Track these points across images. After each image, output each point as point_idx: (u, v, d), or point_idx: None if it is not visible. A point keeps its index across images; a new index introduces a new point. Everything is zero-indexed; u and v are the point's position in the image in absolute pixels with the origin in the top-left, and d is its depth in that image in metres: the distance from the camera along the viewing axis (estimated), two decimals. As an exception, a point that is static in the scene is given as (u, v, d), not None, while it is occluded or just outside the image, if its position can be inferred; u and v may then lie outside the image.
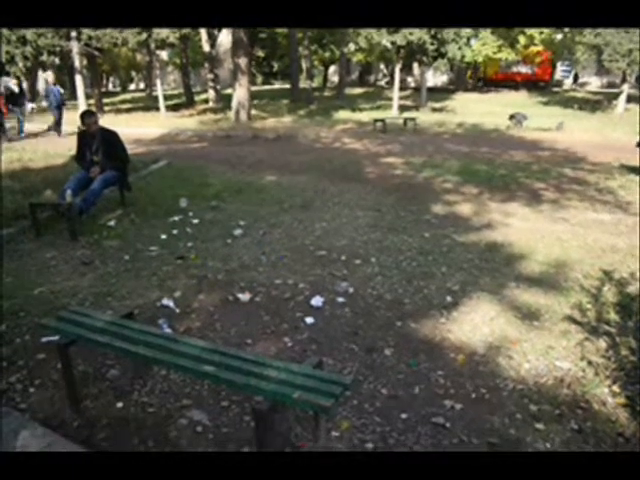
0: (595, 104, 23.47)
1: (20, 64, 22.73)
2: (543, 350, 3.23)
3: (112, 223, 5.91)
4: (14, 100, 14.95)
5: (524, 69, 33.12)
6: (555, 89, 32.24)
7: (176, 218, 6.08)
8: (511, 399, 2.78)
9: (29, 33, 21.06)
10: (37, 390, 2.92)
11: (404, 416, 2.65)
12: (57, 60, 26.41)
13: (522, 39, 26.01)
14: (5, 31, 20.86)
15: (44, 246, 5.21)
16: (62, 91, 16.57)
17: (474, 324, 3.56)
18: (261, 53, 38.12)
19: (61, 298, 3.99)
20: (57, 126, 15.39)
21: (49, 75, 17.25)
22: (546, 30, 24.68)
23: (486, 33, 25.12)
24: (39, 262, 4.81)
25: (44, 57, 22.82)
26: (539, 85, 32.29)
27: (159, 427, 2.60)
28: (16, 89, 14.94)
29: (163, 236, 5.45)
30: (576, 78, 35.76)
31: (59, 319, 2.79)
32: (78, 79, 21.53)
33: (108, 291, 4.13)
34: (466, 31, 21.60)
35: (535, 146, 12.45)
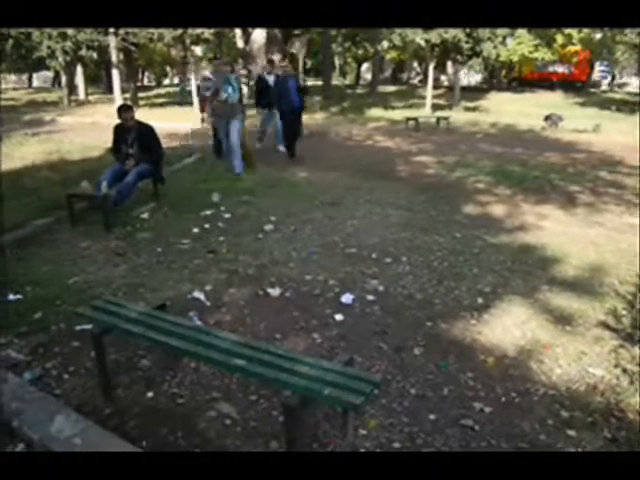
0: (634, 106, 22.88)
1: (60, 58, 23.22)
2: (576, 356, 3.17)
3: (145, 215, 6.01)
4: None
5: (561, 69, 32.45)
6: (592, 90, 31.58)
7: (208, 212, 6.14)
8: (542, 404, 2.74)
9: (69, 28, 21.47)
10: (71, 377, 2.99)
11: (432, 417, 2.63)
12: (95, 55, 26.87)
13: (559, 38, 25.48)
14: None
15: (79, 236, 5.32)
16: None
17: (505, 327, 3.52)
18: (294, 50, 38.16)
19: (95, 288, 4.07)
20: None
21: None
22: (585, 29, 24.15)
23: (522, 32, 24.67)
24: (74, 252, 4.91)
25: (83, 52, 23.28)
26: (576, 85, 31.62)
27: (188, 418, 2.63)
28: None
29: (195, 229, 5.51)
30: (613, 78, 34.93)
31: (94, 308, 2.85)
32: (115, 73, 21.94)
33: (140, 282, 4.20)
34: (502, 30, 21.30)
35: (571, 148, 12.21)
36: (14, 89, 44.25)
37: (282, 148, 10.38)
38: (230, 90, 8.14)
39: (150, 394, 2.83)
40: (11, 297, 3.91)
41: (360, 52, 34.10)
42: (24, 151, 9.99)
